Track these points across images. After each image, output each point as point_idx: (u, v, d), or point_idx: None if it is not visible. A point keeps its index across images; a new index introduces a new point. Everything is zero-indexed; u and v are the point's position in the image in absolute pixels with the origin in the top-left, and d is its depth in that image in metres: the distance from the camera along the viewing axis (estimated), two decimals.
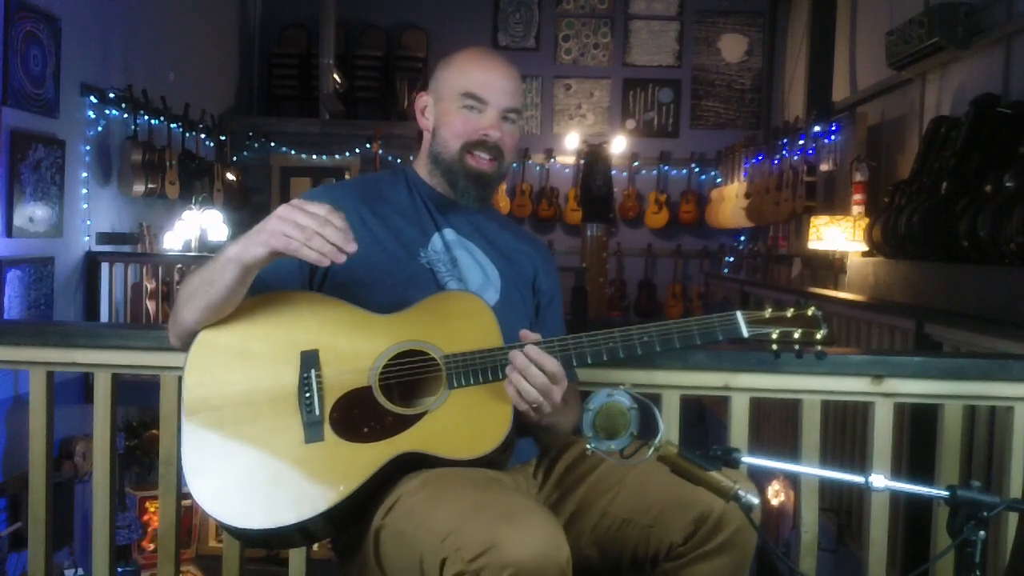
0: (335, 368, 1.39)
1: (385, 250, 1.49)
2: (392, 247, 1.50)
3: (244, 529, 1.31)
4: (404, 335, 1.41)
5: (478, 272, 1.55)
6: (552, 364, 1.34)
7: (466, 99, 1.50)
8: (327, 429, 1.35)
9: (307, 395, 1.36)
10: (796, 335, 1.39)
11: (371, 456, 1.34)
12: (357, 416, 1.37)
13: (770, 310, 1.41)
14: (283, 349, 1.38)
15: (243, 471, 1.34)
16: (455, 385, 1.38)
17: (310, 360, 1.38)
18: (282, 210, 1.25)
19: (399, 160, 8.58)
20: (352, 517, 1.36)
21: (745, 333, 1.39)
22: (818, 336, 1.40)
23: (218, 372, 1.39)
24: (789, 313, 1.40)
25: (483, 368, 1.38)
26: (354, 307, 1.43)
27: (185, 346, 1.42)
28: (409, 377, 1.40)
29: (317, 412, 1.36)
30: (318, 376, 1.38)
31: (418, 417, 1.37)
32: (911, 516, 3.24)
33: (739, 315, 1.40)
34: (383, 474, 1.34)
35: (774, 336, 1.39)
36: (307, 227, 1.23)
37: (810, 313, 1.40)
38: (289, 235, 1.24)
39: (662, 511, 1.35)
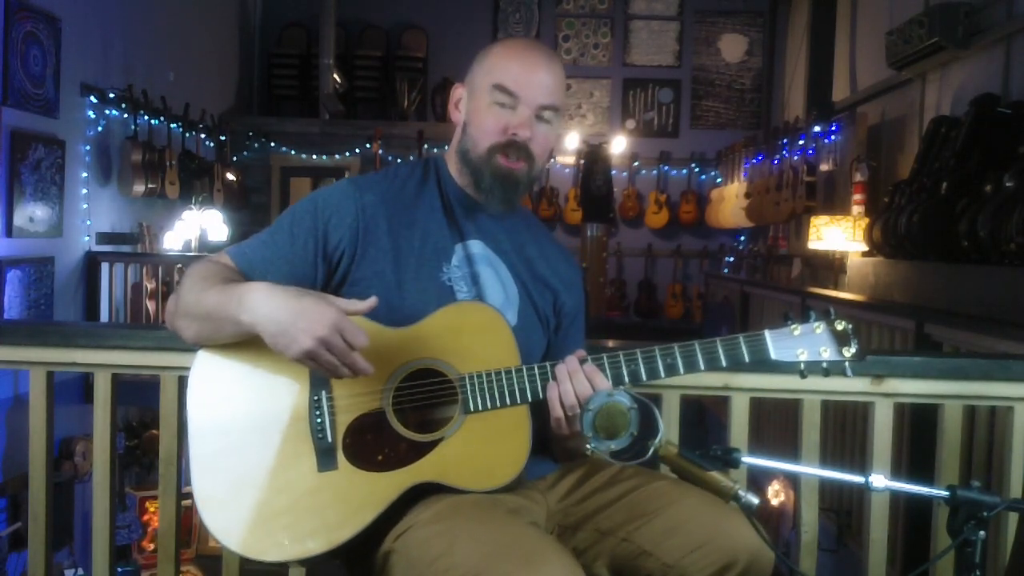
0: (346, 388, 1.34)
1: (406, 265, 1.43)
2: (414, 263, 1.44)
3: (257, 561, 1.30)
4: (417, 352, 1.36)
5: (499, 291, 1.48)
6: (603, 382, 1.32)
7: (497, 93, 1.42)
8: (340, 457, 1.32)
9: (318, 419, 1.33)
10: (825, 353, 1.31)
11: (387, 486, 1.31)
12: (370, 442, 1.33)
13: (799, 327, 1.32)
14: (292, 365, 1.31)
15: (255, 502, 1.31)
16: (471, 410, 1.34)
17: (320, 379, 1.34)
18: (327, 332, 1.23)
19: (399, 159, 8.59)
20: (360, 542, 1.34)
21: (773, 355, 1.32)
22: (847, 354, 1.31)
23: (223, 391, 1.35)
24: (818, 329, 1.32)
25: (500, 392, 1.34)
26: (364, 319, 1.35)
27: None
28: (423, 402, 1.36)
29: (329, 438, 1.32)
30: (329, 398, 1.34)
31: (433, 444, 1.34)
32: (911, 516, 3.24)
33: (767, 335, 1.32)
34: (398, 503, 1.31)
35: (802, 356, 1.32)
36: (338, 366, 1.25)
37: (840, 328, 1.32)
38: (321, 363, 1.25)
39: (686, 554, 1.30)
